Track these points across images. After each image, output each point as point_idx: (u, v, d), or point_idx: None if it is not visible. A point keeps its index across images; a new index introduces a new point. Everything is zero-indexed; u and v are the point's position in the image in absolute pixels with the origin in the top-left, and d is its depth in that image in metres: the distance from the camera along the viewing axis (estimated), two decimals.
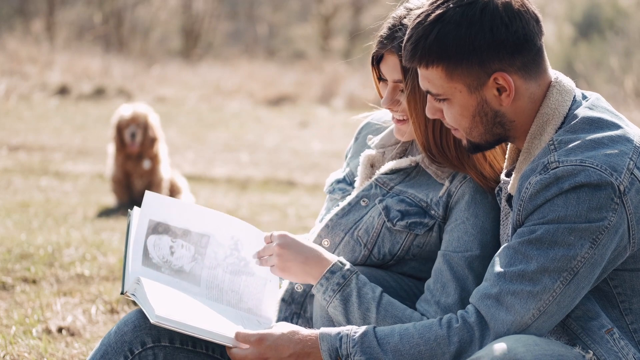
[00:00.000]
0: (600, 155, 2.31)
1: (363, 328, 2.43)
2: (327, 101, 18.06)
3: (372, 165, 2.85)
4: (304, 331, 2.47)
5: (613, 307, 2.41)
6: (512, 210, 2.49)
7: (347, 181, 2.91)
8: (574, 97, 2.45)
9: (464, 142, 2.50)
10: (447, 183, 2.71)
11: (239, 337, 2.49)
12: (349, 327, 2.45)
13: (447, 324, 2.38)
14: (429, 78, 2.43)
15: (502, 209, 2.59)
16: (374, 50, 2.75)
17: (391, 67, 2.71)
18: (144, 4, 26.17)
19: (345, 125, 14.72)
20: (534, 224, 2.33)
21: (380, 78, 2.78)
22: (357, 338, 2.41)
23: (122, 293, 2.55)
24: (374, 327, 2.43)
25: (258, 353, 2.46)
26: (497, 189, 2.64)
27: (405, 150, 2.86)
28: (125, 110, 8.25)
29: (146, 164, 8.18)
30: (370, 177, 2.83)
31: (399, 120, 2.76)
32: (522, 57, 2.38)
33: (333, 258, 2.63)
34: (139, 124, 8.10)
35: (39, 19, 24.40)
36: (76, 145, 12.07)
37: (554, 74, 2.47)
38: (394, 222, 2.70)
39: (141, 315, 2.63)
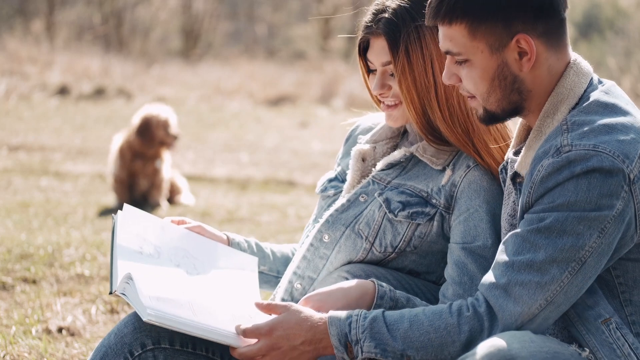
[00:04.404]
0: (613, 140, 2.31)
1: (372, 313, 2.41)
2: (327, 101, 18.07)
3: (364, 160, 2.86)
4: (315, 316, 2.45)
5: (613, 298, 2.41)
6: (515, 189, 2.49)
7: (339, 179, 2.92)
8: (590, 80, 2.46)
9: (480, 111, 2.49)
10: (449, 171, 2.71)
11: (247, 333, 2.46)
12: (357, 310, 2.44)
13: (457, 312, 2.37)
14: (451, 36, 2.42)
15: (505, 187, 2.58)
16: (359, 38, 2.76)
17: (378, 51, 2.72)
18: (144, 4, 26.18)
19: (350, 126, 14.71)
20: (544, 209, 2.32)
21: (370, 70, 2.79)
22: (366, 324, 2.39)
23: (110, 293, 2.53)
24: (383, 312, 2.41)
25: (271, 344, 2.44)
26: (500, 167, 2.63)
27: (395, 145, 2.87)
28: (155, 110, 8.31)
29: (158, 163, 8.25)
30: (362, 171, 2.84)
31: (389, 106, 2.76)
32: (545, 23, 2.38)
33: (368, 283, 2.58)
34: (174, 126, 8.25)
35: (39, 19, 24.41)
36: (76, 145, 12.07)
37: (573, 55, 2.48)
38: (396, 212, 2.70)
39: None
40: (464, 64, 2.44)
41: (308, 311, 2.47)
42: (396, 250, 2.71)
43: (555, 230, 2.30)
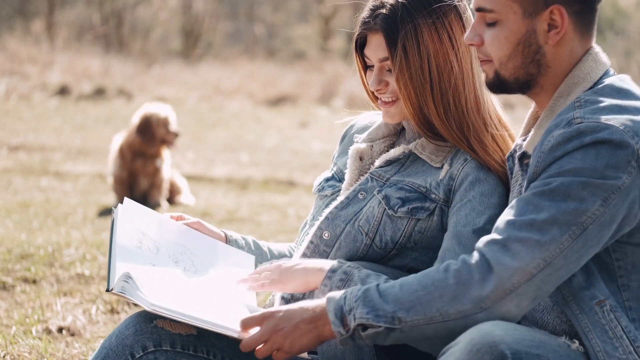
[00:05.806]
0: (625, 119, 2.33)
1: (367, 285, 2.43)
2: (327, 101, 18.07)
3: (361, 159, 2.86)
4: (313, 302, 2.47)
5: (611, 281, 2.40)
6: (522, 170, 2.51)
7: (336, 178, 2.93)
8: (607, 70, 2.49)
9: (490, 75, 2.51)
10: (446, 166, 2.72)
11: (246, 324, 2.46)
12: (352, 287, 2.45)
13: (444, 268, 2.37)
14: None
15: (514, 173, 2.59)
16: (357, 33, 2.76)
17: (376, 47, 2.73)
18: (144, 4, 26.19)
19: (345, 125, 14.73)
20: (550, 176, 2.33)
21: (367, 67, 2.80)
22: (359, 294, 2.40)
23: (107, 290, 2.53)
24: (377, 284, 2.42)
25: (272, 326, 2.43)
26: (507, 154, 2.64)
27: (393, 143, 2.88)
28: (155, 108, 8.36)
29: (159, 163, 8.26)
30: (360, 170, 2.85)
31: (386, 103, 2.77)
32: (582, 3, 2.42)
33: (332, 261, 2.63)
34: (175, 123, 8.30)
35: (39, 19, 24.42)
36: (76, 145, 12.07)
37: (595, 46, 2.51)
38: (395, 209, 2.71)
39: (142, 319, 2.61)
40: (493, 25, 2.46)
41: (304, 301, 2.48)
42: (397, 246, 2.72)
43: (560, 194, 2.31)
